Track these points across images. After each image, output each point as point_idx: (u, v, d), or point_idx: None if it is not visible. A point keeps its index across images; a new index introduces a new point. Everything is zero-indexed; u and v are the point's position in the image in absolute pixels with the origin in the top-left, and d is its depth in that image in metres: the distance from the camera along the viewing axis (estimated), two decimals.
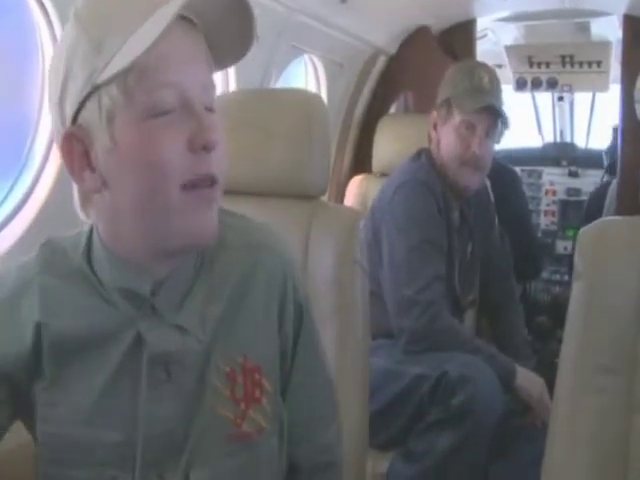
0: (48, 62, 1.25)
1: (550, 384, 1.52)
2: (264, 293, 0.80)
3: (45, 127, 1.28)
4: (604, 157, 3.33)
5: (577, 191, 3.80)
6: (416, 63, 2.61)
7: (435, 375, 1.50)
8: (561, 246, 3.77)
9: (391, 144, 2.42)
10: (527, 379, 1.61)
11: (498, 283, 2.05)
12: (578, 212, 3.52)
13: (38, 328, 0.73)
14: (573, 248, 3.05)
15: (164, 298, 0.74)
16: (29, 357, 0.73)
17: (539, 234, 3.72)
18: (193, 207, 0.69)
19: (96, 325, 0.73)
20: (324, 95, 2.46)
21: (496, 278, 2.04)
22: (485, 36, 3.08)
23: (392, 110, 2.83)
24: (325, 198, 1.69)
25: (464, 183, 1.77)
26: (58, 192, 1.25)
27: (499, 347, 1.83)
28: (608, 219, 1.11)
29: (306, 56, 2.37)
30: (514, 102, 3.77)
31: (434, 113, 1.81)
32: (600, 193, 2.95)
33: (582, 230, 0.99)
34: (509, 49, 3.39)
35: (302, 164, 1.27)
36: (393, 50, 2.64)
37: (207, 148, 0.68)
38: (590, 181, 3.64)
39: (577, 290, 0.97)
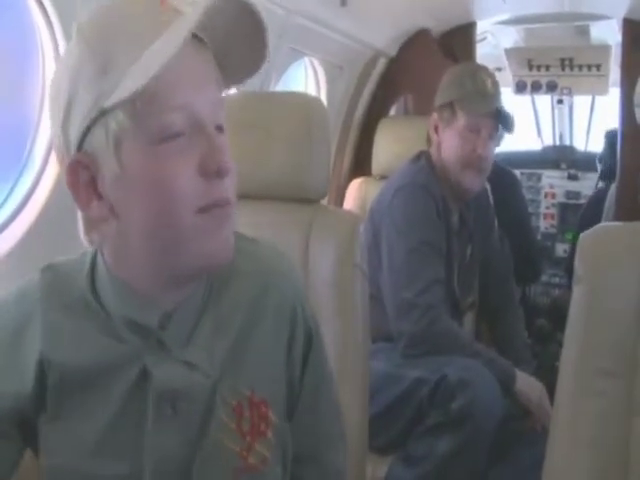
0: (48, 62, 1.24)
1: (550, 387, 1.52)
2: (274, 321, 0.78)
3: (45, 129, 1.28)
4: (597, 164, 3.33)
5: (576, 194, 3.80)
6: (416, 66, 2.61)
7: (434, 379, 1.50)
8: (560, 249, 3.77)
9: (391, 146, 2.42)
10: (526, 384, 1.61)
11: (498, 286, 2.06)
12: (577, 215, 3.52)
13: (41, 363, 0.70)
14: (572, 251, 3.06)
15: (172, 332, 0.72)
16: (33, 392, 0.71)
17: (538, 237, 3.73)
18: (207, 229, 0.66)
19: (100, 359, 0.71)
20: (324, 97, 2.46)
21: (496, 281, 2.05)
22: (485, 39, 3.09)
23: (392, 112, 2.83)
24: (325, 201, 1.69)
25: (466, 185, 1.77)
26: (58, 194, 1.25)
27: (499, 350, 1.83)
28: (608, 224, 1.11)
29: (306, 58, 2.37)
30: (514, 105, 3.77)
31: (434, 115, 1.81)
32: (595, 200, 2.95)
33: (582, 235, 0.99)
34: (509, 52, 3.39)
35: (302, 168, 1.27)
36: (393, 52, 2.65)
37: (220, 174, 0.66)
38: (589, 184, 3.64)
39: (577, 294, 0.97)
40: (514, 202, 2.71)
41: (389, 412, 1.56)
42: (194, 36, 0.65)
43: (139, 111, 0.62)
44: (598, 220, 2.64)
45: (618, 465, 0.90)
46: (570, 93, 3.59)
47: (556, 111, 4.12)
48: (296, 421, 0.82)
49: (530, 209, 3.53)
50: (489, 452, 1.51)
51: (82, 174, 0.66)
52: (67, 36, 1.18)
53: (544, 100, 4.06)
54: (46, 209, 1.25)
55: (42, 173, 1.27)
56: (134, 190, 0.65)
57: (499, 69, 3.44)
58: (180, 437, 0.73)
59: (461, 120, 1.75)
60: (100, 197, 0.66)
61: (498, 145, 1.86)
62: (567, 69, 3.36)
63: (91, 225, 0.69)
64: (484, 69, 1.85)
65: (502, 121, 1.76)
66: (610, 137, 3.14)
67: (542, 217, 3.86)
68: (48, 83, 1.25)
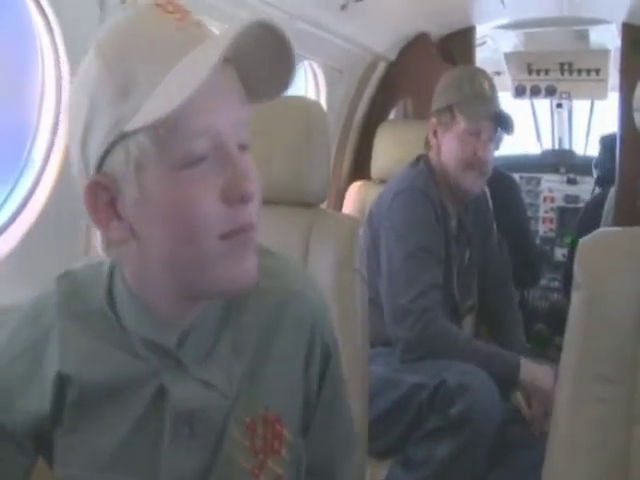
0: (47, 62, 1.24)
1: None
2: (291, 338, 0.77)
3: (44, 130, 1.27)
4: (593, 170, 3.34)
5: (575, 198, 3.81)
6: (415, 70, 2.62)
7: (433, 384, 1.49)
8: (559, 253, 3.78)
9: (390, 150, 2.42)
10: (532, 372, 1.57)
11: (497, 289, 2.06)
12: (576, 219, 3.53)
13: (59, 380, 0.69)
14: (570, 255, 3.06)
15: (189, 350, 0.71)
16: (51, 406, 0.70)
17: (537, 241, 3.73)
18: (231, 255, 0.65)
19: (117, 374, 0.70)
20: (323, 101, 2.46)
21: (495, 284, 2.05)
22: (484, 43, 3.09)
23: (391, 116, 2.83)
24: (324, 204, 1.69)
25: (466, 187, 1.77)
26: (58, 196, 1.25)
27: None
28: (607, 229, 1.11)
29: (306, 62, 2.37)
30: (513, 109, 3.78)
31: (433, 120, 1.82)
32: (594, 204, 2.95)
33: (582, 240, 0.99)
34: (508, 56, 3.40)
35: (302, 172, 1.27)
36: (393, 57, 2.65)
37: (245, 200, 0.64)
38: (588, 188, 3.65)
39: (577, 300, 0.97)
40: (513, 206, 2.72)
41: (388, 416, 1.55)
42: None
43: (162, 137, 0.60)
44: (597, 224, 2.65)
45: (618, 472, 0.90)
46: (569, 97, 3.60)
47: (555, 115, 4.13)
48: (311, 435, 0.81)
49: (529, 213, 3.54)
50: (488, 456, 1.50)
51: (101, 195, 0.64)
52: (66, 37, 1.18)
53: (543, 104, 4.07)
54: (45, 211, 1.25)
55: (42, 175, 1.27)
56: (155, 214, 0.63)
57: (498, 73, 3.45)
58: (196, 456, 0.72)
59: (461, 124, 1.75)
60: (120, 218, 0.64)
61: (497, 148, 1.86)
62: (566, 73, 3.37)
63: (110, 244, 0.67)
64: (482, 72, 1.85)
65: (502, 123, 1.76)
66: (605, 143, 3.14)
67: (541, 221, 3.87)
68: (47, 83, 1.25)
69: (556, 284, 3.68)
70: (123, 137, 0.61)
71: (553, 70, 3.40)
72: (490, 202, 2.09)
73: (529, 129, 4.37)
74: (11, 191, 1.27)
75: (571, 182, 3.84)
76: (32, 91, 1.28)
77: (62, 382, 0.69)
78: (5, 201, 1.26)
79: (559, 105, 3.93)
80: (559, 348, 0.99)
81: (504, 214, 2.30)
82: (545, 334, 3.16)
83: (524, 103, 4.01)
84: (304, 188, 1.28)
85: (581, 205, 3.64)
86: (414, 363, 1.58)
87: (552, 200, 3.85)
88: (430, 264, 1.65)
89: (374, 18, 2.19)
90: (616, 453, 0.90)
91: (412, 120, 2.73)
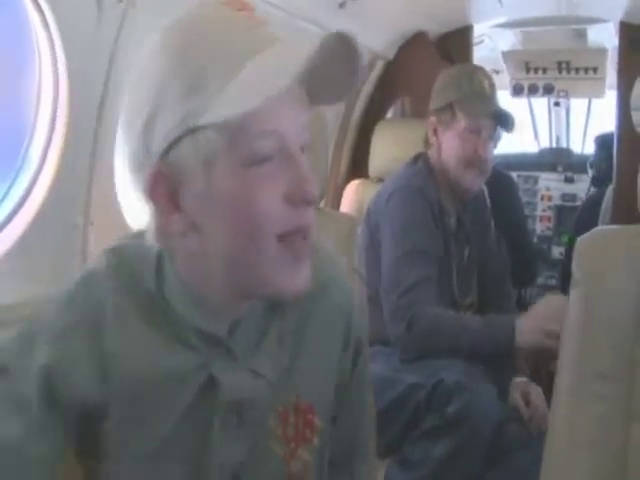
0: (44, 59, 1.23)
1: (546, 391, 1.52)
2: (328, 329, 0.78)
3: (42, 128, 1.27)
4: (589, 169, 3.33)
5: (572, 196, 3.81)
6: (413, 68, 2.61)
7: (431, 383, 1.49)
8: (556, 252, 3.78)
9: (388, 149, 2.42)
10: (527, 331, 1.50)
11: (495, 287, 2.05)
12: (573, 218, 3.53)
13: (113, 359, 0.68)
14: (567, 253, 3.06)
15: (239, 340, 0.72)
16: (99, 388, 0.68)
17: (535, 239, 3.74)
18: (286, 258, 0.66)
19: (168, 363, 0.70)
20: None
21: (492, 282, 2.04)
22: (482, 42, 3.09)
23: (389, 115, 2.83)
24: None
25: (466, 185, 1.77)
26: (55, 194, 1.25)
27: None
28: (605, 228, 1.11)
29: None
30: (511, 107, 3.78)
31: (433, 118, 1.81)
32: (591, 203, 2.95)
33: (580, 238, 0.99)
34: (506, 55, 3.40)
35: None
36: (391, 55, 2.65)
37: (306, 202, 0.66)
38: (586, 187, 3.65)
39: (575, 298, 0.97)
40: (511, 205, 2.72)
41: (385, 416, 1.55)
42: None
43: (232, 133, 0.62)
44: (594, 223, 2.64)
45: (617, 469, 0.90)
46: (567, 96, 3.60)
47: (553, 114, 4.13)
48: (338, 427, 0.82)
49: (526, 211, 3.54)
50: (486, 456, 1.50)
51: (162, 185, 0.64)
52: (63, 34, 1.18)
53: (541, 103, 4.07)
54: (43, 209, 1.24)
55: (39, 173, 1.27)
56: (219, 209, 0.64)
57: (496, 72, 3.44)
58: (242, 444, 0.73)
59: (461, 122, 1.75)
60: (180, 210, 0.65)
61: (495, 147, 1.86)
62: (564, 72, 3.37)
63: (164, 235, 0.67)
64: (481, 70, 1.86)
65: (502, 121, 1.76)
66: (600, 142, 3.14)
67: (538, 219, 3.87)
68: (44, 81, 1.24)
69: (553, 282, 3.68)
70: (192, 131, 0.62)
71: (551, 69, 3.40)
72: (488, 200, 2.09)
73: (527, 127, 4.37)
74: (8, 189, 1.27)
75: (568, 180, 3.84)
76: (29, 89, 1.27)
77: (115, 363, 0.68)
78: (2, 199, 1.26)
79: (557, 103, 3.93)
80: None
81: (502, 213, 2.30)
82: None
83: (522, 102, 4.01)
84: None
85: (578, 203, 3.64)
86: (412, 363, 1.58)
87: (549, 198, 3.85)
88: (422, 263, 1.64)
89: (372, 17, 2.19)
90: (615, 451, 0.90)
91: (410, 118, 2.73)
